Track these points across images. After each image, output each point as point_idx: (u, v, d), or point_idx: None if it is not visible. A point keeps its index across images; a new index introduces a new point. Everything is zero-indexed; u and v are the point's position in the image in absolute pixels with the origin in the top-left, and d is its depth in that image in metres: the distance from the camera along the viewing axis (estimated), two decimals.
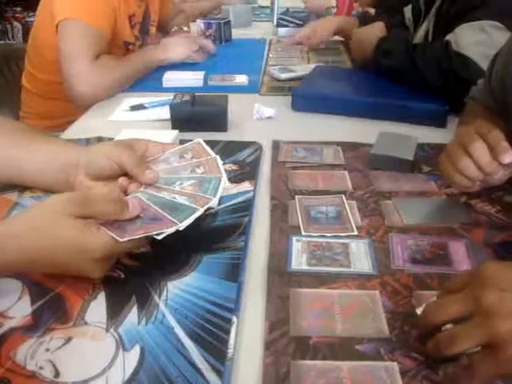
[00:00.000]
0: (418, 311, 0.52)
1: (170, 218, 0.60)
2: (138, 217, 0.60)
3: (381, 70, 1.29)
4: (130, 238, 0.56)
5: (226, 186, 0.72)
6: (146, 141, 0.73)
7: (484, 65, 1.05)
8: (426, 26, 1.38)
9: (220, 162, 0.70)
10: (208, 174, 0.69)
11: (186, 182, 0.67)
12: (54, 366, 0.48)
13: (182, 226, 0.59)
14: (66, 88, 1.29)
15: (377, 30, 1.46)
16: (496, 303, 0.43)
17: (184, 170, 0.70)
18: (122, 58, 1.41)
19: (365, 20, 1.72)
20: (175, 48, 1.55)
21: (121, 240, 0.55)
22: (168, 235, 0.58)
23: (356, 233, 0.69)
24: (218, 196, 0.64)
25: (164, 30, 1.86)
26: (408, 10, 1.54)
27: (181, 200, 0.64)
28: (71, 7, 1.30)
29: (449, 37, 1.14)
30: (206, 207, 0.62)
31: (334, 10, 2.34)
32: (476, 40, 1.08)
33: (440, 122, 1.07)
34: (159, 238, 0.57)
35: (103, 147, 0.72)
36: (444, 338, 0.46)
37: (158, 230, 0.58)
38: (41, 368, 0.48)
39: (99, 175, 0.70)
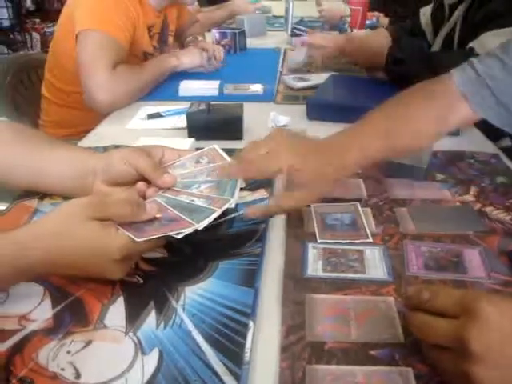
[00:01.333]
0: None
1: (187, 219, 0.61)
2: (155, 219, 0.61)
3: (392, 77, 1.30)
4: (146, 239, 0.57)
5: (241, 194, 0.73)
6: (162, 147, 0.75)
7: None
8: (447, 29, 1.38)
9: None
10: None
11: (203, 185, 0.69)
12: (74, 367, 0.49)
13: (201, 226, 0.60)
14: (85, 97, 1.31)
15: (383, 35, 1.47)
16: (481, 353, 0.42)
17: (200, 175, 0.71)
18: (138, 67, 1.43)
19: None
20: (188, 55, 1.58)
21: (137, 240, 0.57)
22: (185, 242, 0.59)
23: (371, 240, 0.70)
24: (236, 197, 0.65)
25: (179, 39, 1.89)
26: (425, 13, 1.54)
27: (199, 202, 0.65)
28: (91, 18, 1.32)
29: (472, 44, 1.14)
30: (223, 208, 0.63)
31: (349, 19, 2.35)
32: None
33: (454, 130, 1.07)
34: (179, 237, 0.58)
35: (120, 153, 0.73)
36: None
37: (175, 230, 0.59)
38: (62, 369, 0.49)
39: (117, 181, 0.71)
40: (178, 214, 0.62)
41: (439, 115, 0.77)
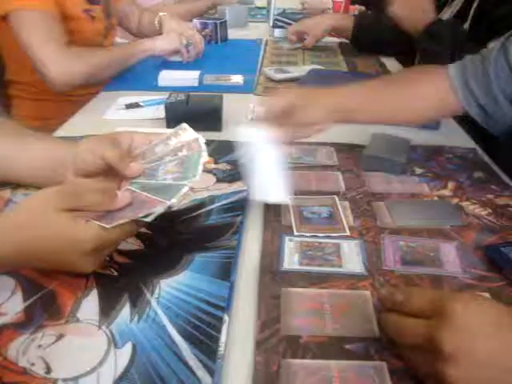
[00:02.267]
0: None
1: (158, 198, 0.60)
2: (127, 205, 0.60)
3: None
4: (117, 223, 0.56)
5: (219, 186, 0.72)
6: (130, 133, 0.73)
7: None
8: (456, 4, 1.38)
9: (202, 140, 0.68)
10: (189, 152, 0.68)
11: (169, 164, 0.67)
12: (45, 362, 0.48)
13: (170, 203, 0.58)
14: (38, 74, 1.29)
15: None
16: (453, 354, 0.42)
17: (168, 155, 0.69)
18: (101, 48, 1.40)
19: (360, 19, 1.73)
20: (164, 39, 1.54)
21: (107, 227, 0.55)
22: (161, 234, 0.58)
23: (348, 233, 0.70)
24: (200, 169, 0.64)
25: (136, 34, 1.81)
26: None
27: (167, 181, 0.63)
28: None
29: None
30: (191, 181, 0.61)
31: (331, 12, 2.35)
32: None
33: (433, 124, 1.07)
34: (148, 219, 0.57)
35: (88, 143, 0.71)
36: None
37: (145, 212, 0.57)
38: (32, 364, 0.48)
39: (86, 172, 0.70)
40: (149, 195, 0.61)
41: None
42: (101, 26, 1.52)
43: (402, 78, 0.92)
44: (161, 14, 1.71)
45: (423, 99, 0.85)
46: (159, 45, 1.51)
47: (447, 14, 1.42)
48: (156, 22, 1.70)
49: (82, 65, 1.30)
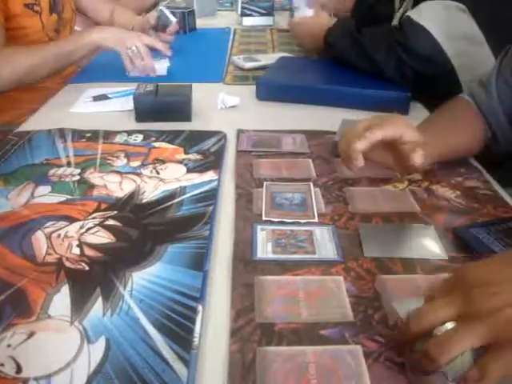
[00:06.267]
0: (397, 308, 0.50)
1: None
2: None
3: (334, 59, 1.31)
4: None
5: (190, 176, 0.71)
6: None
7: (439, 38, 1.07)
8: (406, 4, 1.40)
9: None
10: None
11: None
12: (15, 361, 0.47)
13: None
14: None
15: (325, 18, 1.46)
16: (487, 300, 0.42)
17: None
18: (38, 46, 1.30)
19: None
20: (116, 34, 1.34)
21: None
22: (133, 226, 0.57)
23: (316, 220, 0.70)
24: None
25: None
26: None
27: None
28: None
29: (410, 12, 1.15)
30: None
31: None
32: (437, 16, 1.09)
33: (402, 109, 1.08)
34: None
35: None
36: (436, 343, 0.42)
37: None
38: (1, 365, 0.47)
39: None
40: None
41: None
42: (48, 20, 1.42)
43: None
44: (116, 6, 1.65)
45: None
46: (104, 38, 1.32)
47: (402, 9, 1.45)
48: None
49: (8, 70, 1.23)
